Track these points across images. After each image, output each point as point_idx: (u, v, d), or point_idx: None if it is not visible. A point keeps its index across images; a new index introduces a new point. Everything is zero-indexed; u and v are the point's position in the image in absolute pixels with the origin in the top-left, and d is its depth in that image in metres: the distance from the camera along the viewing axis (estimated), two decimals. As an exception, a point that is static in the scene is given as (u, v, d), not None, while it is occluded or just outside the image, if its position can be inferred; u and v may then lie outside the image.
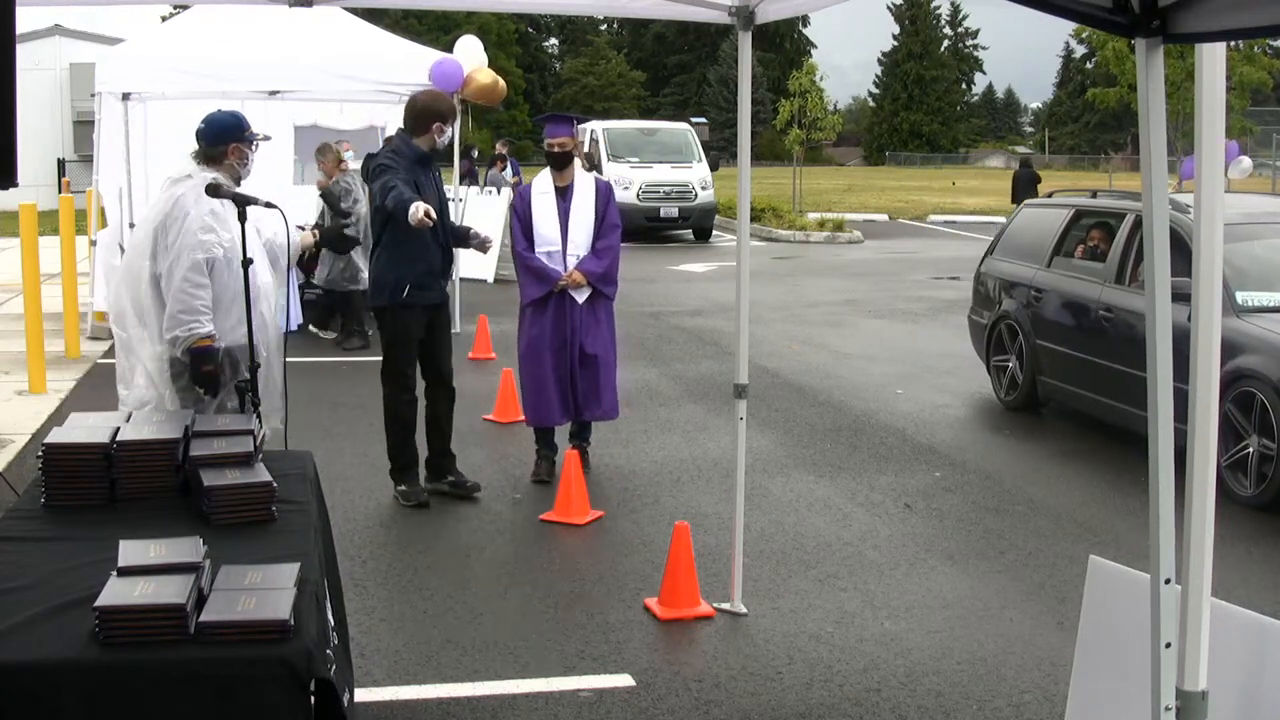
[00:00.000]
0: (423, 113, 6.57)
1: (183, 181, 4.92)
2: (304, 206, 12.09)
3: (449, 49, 12.91)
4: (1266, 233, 7.86)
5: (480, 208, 16.71)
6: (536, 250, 7.10)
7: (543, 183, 7.22)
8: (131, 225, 11.66)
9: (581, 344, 7.17)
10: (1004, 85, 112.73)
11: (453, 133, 6.56)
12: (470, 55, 12.32)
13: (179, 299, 4.78)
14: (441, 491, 6.84)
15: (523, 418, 8.52)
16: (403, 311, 6.55)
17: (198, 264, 4.79)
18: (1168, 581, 2.50)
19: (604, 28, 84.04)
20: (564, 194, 7.14)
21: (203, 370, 4.81)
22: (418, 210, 6.08)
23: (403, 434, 6.72)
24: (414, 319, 6.58)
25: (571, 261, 7.09)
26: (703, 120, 45.26)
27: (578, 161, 7.32)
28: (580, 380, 7.20)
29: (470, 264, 15.49)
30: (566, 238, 7.09)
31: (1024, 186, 23.34)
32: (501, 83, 12.59)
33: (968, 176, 56.51)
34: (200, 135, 5.01)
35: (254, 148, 5.06)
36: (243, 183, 5.01)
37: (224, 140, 4.95)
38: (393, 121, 13.86)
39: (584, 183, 7.22)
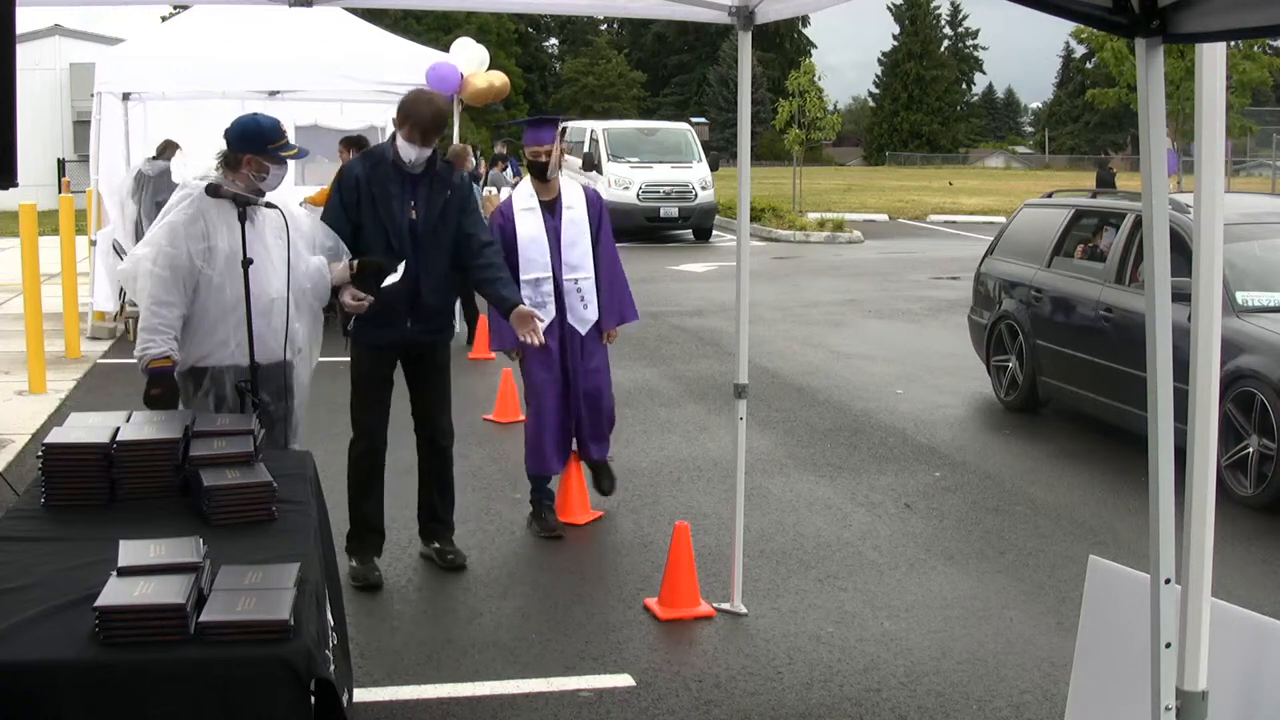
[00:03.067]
0: (397, 112, 5.49)
1: (183, 189, 4.67)
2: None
3: (449, 49, 12.92)
4: (1266, 233, 7.86)
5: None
6: (523, 276, 6.06)
7: (524, 197, 6.23)
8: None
9: (585, 380, 6.34)
10: (1004, 85, 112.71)
11: (419, 151, 5.36)
12: (469, 57, 12.29)
13: (144, 316, 4.52)
14: (426, 556, 5.90)
15: (524, 417, 8.52)
16: (355, 347, 5.60)
17: (163, 280, 4.47)
18: (1168, 581, 2.50)
19: (604, 28, 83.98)
20: (551, 208, 6.19)
21: (151, 393, 4.43)
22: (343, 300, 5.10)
23: (352, 492, 5.65)
24: (368, 358, 5.58)
25: (569, 287, 6.17)
26: (703, 120, 45.26)
27: (563, 167, 6.28)
28: (585, 415, 6.41)
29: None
30: (560, 260, 6.15)
31: (1104, 188, 23.40)
32: (499, 81, 12.54)
33: (967, 176, 56.50)
34: (225, 135, 4.69)
35: (281, 163, 4.66)
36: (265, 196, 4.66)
37: (240, 149, 4.62)
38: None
39: (572, 194, 6.29)
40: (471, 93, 12.26)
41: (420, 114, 5.33)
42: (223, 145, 4.70)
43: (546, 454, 6.33)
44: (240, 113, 4.99)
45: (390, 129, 5.78)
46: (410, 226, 5.40)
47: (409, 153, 5.36)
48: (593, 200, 6.36)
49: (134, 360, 4.59)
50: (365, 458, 5.61)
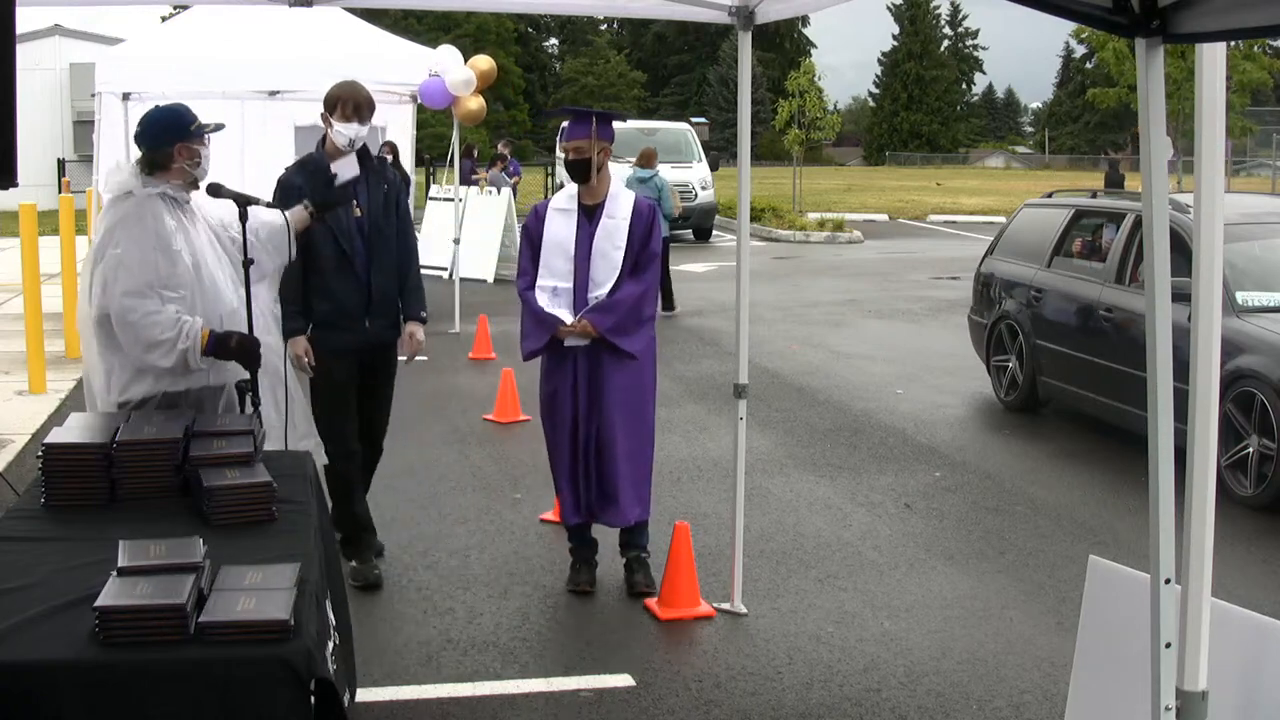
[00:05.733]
0: (325, 108, 5.35)
1: (121, 203, 4.17)
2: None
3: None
4: (1266, 233, 7.87)
5: (480, 208, 16.73)
6: (539, 284, 5.42)
7: (564, 198, 5.55)
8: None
9: (600, 420, 5.45)
10: (1004, 85, 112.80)
11: (358, 129, 5.30)
12: (457, 77, 12.25)
13: (143, 331, 4.07)
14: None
15: (524, 417, 8.58)
16: (315, 354, 5.40)
17: (141, 295, 4.07)
18: (1168, 581, 2.50)
19: (604, 28, 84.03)
20: (591, 215, 5.45)
21: (232, 347, 4.16)
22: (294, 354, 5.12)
23: (336, 499, 5.38)
24: (331, 364, 5.41)
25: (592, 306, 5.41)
26: (703, 120, 45.31)
27: (616, 172, 5.69)
28: (592, 469, 5.50)
29: (470, 264, 15.51)
30: (588, 273, 5.38)
31: (1112, 188, 23.36)
32: (484, 65, 12.56)
33: (967, 176, 56.51)
34: (139, 139, 4.27)
35: (206, 142, 4.26)
36: (200, 185, 4.34)
37: (166, 141, 4.21)
38: (393, 121, 13.89)
39: (620, 202, 5.47)
40: (464, 114, 12.36)
41: (355, 91, 5.32)
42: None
43: (563, 500, 5.63)
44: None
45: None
46: (358, 226, 5.39)
47: (347, 133, 5.29)
48: (642, 212, 5.47)
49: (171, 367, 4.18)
50: (341, 462, 5.44)
